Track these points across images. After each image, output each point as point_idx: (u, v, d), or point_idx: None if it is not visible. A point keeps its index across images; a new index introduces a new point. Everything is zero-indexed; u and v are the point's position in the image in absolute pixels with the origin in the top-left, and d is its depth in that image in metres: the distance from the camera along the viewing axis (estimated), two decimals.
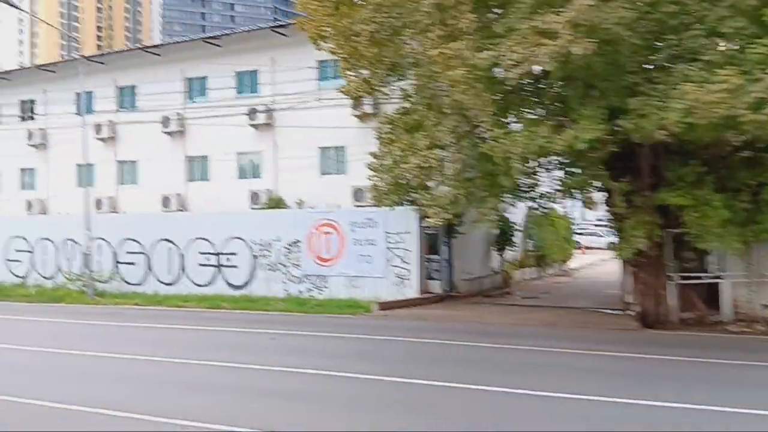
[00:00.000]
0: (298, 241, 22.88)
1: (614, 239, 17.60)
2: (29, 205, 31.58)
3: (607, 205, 17.02)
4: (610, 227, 17.73)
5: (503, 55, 12.86)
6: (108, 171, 30.06)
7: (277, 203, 25.50)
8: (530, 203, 20.80)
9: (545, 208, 20.11)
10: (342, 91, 20.07)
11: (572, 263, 33.65)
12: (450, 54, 13.32)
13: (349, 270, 22.05)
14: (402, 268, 21.27)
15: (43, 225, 28.33)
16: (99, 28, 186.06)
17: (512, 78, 12.85)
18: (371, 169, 19.83)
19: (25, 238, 28.32)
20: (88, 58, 29.31)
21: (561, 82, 13.82)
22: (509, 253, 26.97)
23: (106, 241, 26.20)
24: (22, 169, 32.60)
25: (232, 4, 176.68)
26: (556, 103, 14.67)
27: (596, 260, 37.85)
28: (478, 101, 14.00)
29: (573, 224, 32.47)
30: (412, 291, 21.26)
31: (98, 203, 29.63)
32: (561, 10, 12.22)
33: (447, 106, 16.31)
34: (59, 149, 31.14)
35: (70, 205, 29.79)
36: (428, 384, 9.88)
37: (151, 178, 29.10)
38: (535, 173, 17.22)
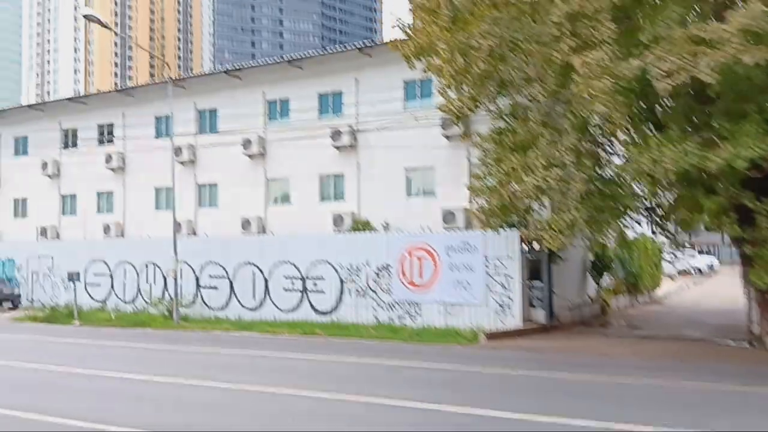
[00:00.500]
0: (389, 266, 22.04)
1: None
2: (106, 229, 31.48)
3: (737, 230, 15.74)
4: (742, 254, 16.39)
5: (652, 65, 11.90)
6: (187, 194, 29.76)
7: (363, 226, 24.75)
8: (632, 226, 19.68)
9: (665, 231, 18.87)
10: (442, 110, 19.30)
11: (660, 290, 32.12)
12: (592, 63, 12.40)
13: (445, 296, 21.09)
14: (503, 295, 20.20)
15: (123, 248, 28.06)
16: (151, 56, 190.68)
17: (664, 89, 11.83)
18: (472, 191, 18.92)
19: (104, 262, 28.10)
20: (171, 82, 29.19)
21: (715, 95, 12.75)
22: (605, 280, 25.70)
23: (188, 264, 25.76)
24: (99, 193, 32.56)
25: (281, 32, 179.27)
26: (702, 117, 13.59)
27: (679, 287, 36.15)
28: (617, 114, 13.03)
29: (661, 249, 30.99)
30: (514, 320, 20.16)
31: (177, 226, 29.28)
32: (724, 17, 11.22)
33: (568, 122, 15.38)
34: (137, 172, 31.07)
35: (148, 228, 29.61)
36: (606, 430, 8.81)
37: (231, 201, 28.71)
38: (660, 194, 16.11)
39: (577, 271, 23.98)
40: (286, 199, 27.75)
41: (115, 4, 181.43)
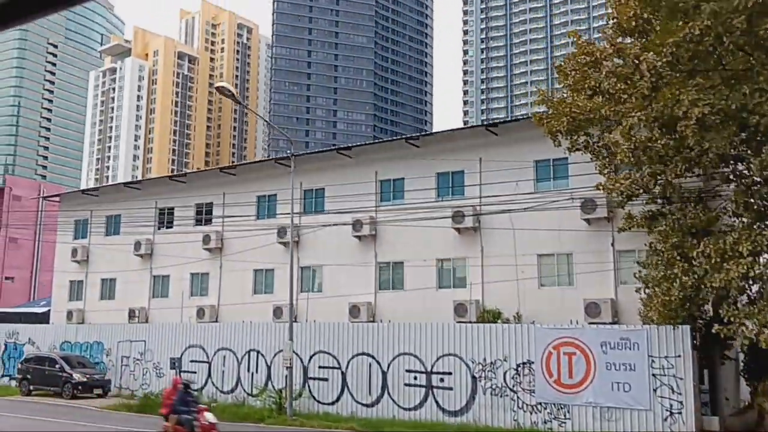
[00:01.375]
0: (531, 362, 19.82)
1: None
2: (200, 312, 30.00)
3: None
4: None
5: None
6: (287, 276, 28.20)
7: (493, 317, 22.69)
8: None
9: None
10: (606, 189, 17.60)
11: None
12: None
13: (600, 399, 18.68)
14: (672, 399, 17.76)
15: (222, 333, 26.37)
16: (207, 145, 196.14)
17: None
18: (643, 280, 16.90)
19: (202, 348, 26.41)
20: (276, 161, 28.38)
21: None
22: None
23: (294, 353, 23.90)
24: (194, 274, 31.30)
25: (335, 122, 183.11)
26: None
27: None
28: None
29: None
30: (685, 428, 17.61)
31: (277, 311, 27.69)
32: None
33: None
34: (236, 253, 29.78)
35: (245, 313, 28.00)
36: None
37: (337, 285, 27.05)
38: None
39: (733, 371, 21.40)
40: (399, 284, 25.99)
41: (176, 95, 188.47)
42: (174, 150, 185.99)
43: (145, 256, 32.36)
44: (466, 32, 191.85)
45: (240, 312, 28.58)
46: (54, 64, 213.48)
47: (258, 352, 25.02)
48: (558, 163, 22.89)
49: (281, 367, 23.84)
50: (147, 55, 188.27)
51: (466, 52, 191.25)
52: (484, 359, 20.43)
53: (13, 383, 31.63)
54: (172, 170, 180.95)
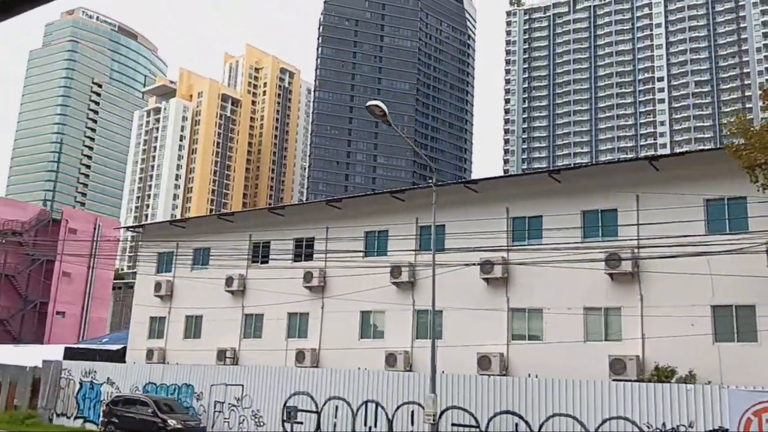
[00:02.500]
0: (725, 430, 16.94)
1: None
2: (299, 356, 27.47)
3: None
4: None
5: None
6: (402, 320, 25.73)
7: (666, 375, 19.83)
8: None
9: None
10: None
11: None
12: None
13: None
14: None
15: (334, 380, 23.74)
16: (246, 187, 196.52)
17: None
18: None
19: (310, 396, 23.82)
20: (392, 194, 26.18)
21: None
22: None
23: (418, 404, 21.26)
24: (291, 314, 28.88)
25: (374, 167, 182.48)
26: None
27: None
28: None
29: None
30: None
31: (390, 358, 25.07)
32: None
33: None
34: (340, 293, 27.36)
35: (350, 358, 25.44)
36: None
37: (461, 333, 24.39)
38: None
39: None
40: (536, 334, 23.27)
41: (218, 136, 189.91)
42: (213, 190, 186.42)
43: (236, 292, 30.08)
44: (508, 81, 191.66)
45: (345, 357, 26.04)
46: (97, 104, 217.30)
47: (377, 403, 22.38)
48: (734, 202, 20.32)
49: (405, 422, 21.22)
50: (191, 96, 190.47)
51: (507, 101, 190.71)
52: (663, 424, 17.58)
53: (90, 426, 29.27)
54: (211, 210, 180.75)
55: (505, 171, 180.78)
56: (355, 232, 27.47)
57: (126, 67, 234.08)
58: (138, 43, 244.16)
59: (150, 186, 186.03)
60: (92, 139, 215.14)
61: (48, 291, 63.71)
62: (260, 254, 30.39)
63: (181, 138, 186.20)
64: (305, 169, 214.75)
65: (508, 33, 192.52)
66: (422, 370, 24.34)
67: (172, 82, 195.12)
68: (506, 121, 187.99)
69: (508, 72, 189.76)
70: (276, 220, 30.07)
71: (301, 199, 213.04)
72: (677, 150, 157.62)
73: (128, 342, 33.67)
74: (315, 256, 28.73)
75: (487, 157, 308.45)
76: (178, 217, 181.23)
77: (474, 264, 23.96)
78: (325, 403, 23.41)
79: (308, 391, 23.89)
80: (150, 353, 31.60)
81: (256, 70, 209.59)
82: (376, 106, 17.99)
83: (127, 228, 34.82)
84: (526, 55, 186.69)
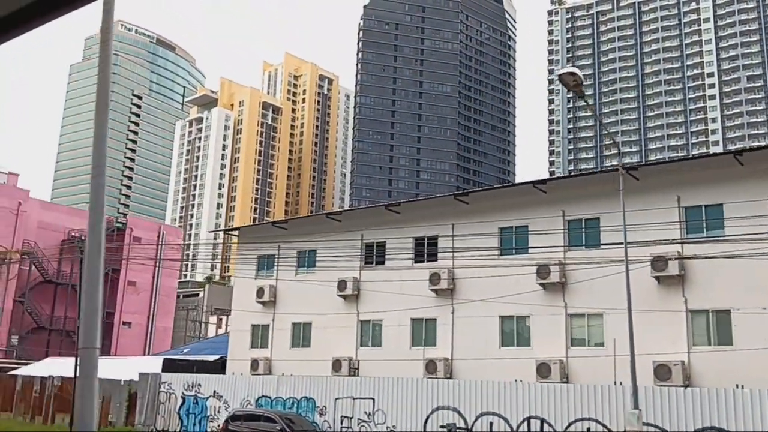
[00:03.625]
0: None
1: None
2: (431, 366, 24.83)
3: None
4: None
5: None
6: (552, 326, 22.97)
7: None
8: None
9: None
10: None
11: None
12: None
13: None
14: None
15: (485, 393, 21.06)
16: (287, 194, 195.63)
17: None
18: None
19: (457, 411, 21.19)
20: (534, 184, 23.49)
21: None
22: None
23: (596, 421, 18.51)
24: (415, 320, 26.28)
25: (418, 172, 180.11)
26: None
27: None
28: None
29: None
30: None
31: (542, 368, 22.30)
32: None
33: None
34: (472, 296, 24.69)
35: (490, 368, 22.74)
36: None
37: (623, 337, 21.49)
38: None
39: None
40: (726, 339, 20.30)
41: (260, 144, 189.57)
42: (256, 199, 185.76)
43: (349, 297, 27.59)
44: (551, 81, 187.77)
45: (483, 368, 23.37)
46: (138, 115, 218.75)
47: (542, 420, 19.67)
48: None
49: None
50: (232, 105, 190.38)
51: (551, 101, 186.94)
52: None
53: None
54: (255, 219, 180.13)
55: (551, 173, 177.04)
56: (486, 228, 24.78)
57: (165, 78, 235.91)
58: (176, 55, 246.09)
59: (194, 195, 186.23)
60: (133, 151, 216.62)
61: (113, 301, 62.21)
62: (374, 255, 27.87)
63: (224, 147, 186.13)
64: (345, 175, 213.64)
65: (550, 32, 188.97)
66: (579, 380, 21.58)
67: (213, 91, 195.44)
68: (551, 122, 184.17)
69: (551, 72, 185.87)
70: (391, 219, 27.55)
71: (342, 206, 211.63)
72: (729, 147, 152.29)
73: (228, 352, 31.40)
74: (440, 255, 26.10)
75: (531, 159, 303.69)
76: (222, 225, 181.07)
77: (643, 261, 21.06)
78: (476, 420, 20.77)
79: (454, 405, 21.28)
80: (255, 364, 29.27)
81: (295, 77, 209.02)
82: (570, 74, 15.37)
83: (225, 231, 32.07)
84: (570, 54, 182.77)
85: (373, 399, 23.13)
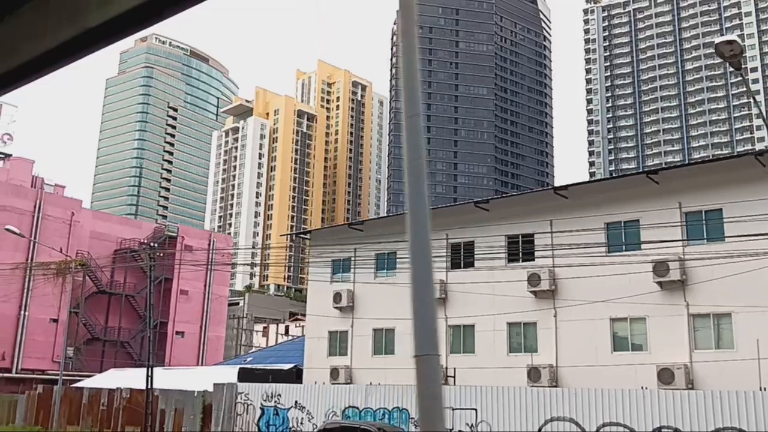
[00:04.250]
0: None
1: None
2: (533, 373, 23.07)
3: None
4: None
5: None
6: (671, 328, 21.06)
7: None
8: None
9: None
10: None
11: None
12: None
13: None
14: None
15: (605, 403, 19.26)
16: (323, 202, 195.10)
17: None
18: None
19: (575, 422, 19.39)
20: (647, 173, 21.65)
21: None
22: None
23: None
24: (512, 324, 24.53)
25: (455, 176, 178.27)
26: None
27: None
28: None
29: None
30: None
31: (663, 374, 20.41)
32: None
33: None
34: (579, 298, 22.87)
35: (599, 376, 20.89)
36: None
37: (759, 340, 19.54)
38: None
39: None
40: None
41: (296, 152, 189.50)
42: (293, 207, 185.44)
43: (436, 301, 25.96)
44: (589, 80, 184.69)
45: (592, 375, 21.56)
46: (174, 127, 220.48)
47: (676, 430, 17.79)
48: None
49: None
50: (267, 114, 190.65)
51: (589, 101, 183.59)
52: None
53: None
54: (292, 227, 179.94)
55: (591, 174, 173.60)
56: (590, 224, 22.97)
57: (199, 90, 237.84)
58: (209, 66, 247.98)
59: (231, 205, 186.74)
60: (170, 162, 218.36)
61: (166, 311, 61.47)
62: (462, 256, 26.20)
63: (260, 156, 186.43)
64: (380, 182, 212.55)
65: (586, 31, 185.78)
66: (706, 387, 19.63)
67: (248, 101, 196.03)
68: (589, 122, 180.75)
69: (588, 71, 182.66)
70: (479, 217, 25.89)
71: (377, 213, 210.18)
72: None
73: (304, 360, 29.97)
74: (537, 254, 24.33)
75: (569, 161, 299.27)
76: (260, 234, 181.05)
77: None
78: (597, 431, 18.97)
79: (570, 416, 19.50)
80: (335, 372, 27.79)
81: (329, 84, 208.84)
82: (727, 43, 13.61)
83: (296, 235, 30.49)
84: (607, 53, 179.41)
85: (476, 410, 21.45)
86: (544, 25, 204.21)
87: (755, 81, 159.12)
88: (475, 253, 25.73)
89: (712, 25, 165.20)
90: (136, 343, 59.36)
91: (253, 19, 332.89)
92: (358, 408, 24.36)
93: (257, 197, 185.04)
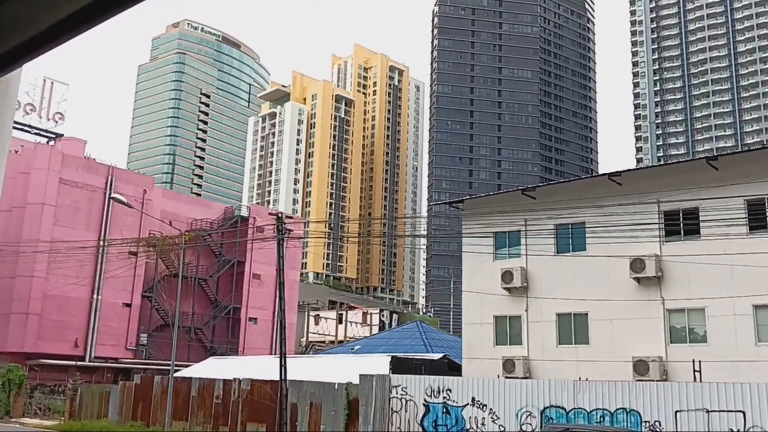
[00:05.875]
0: None
1: None
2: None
3: None
4: None
5: None
6: None
7: None
8: None
9: None
10: None
11: None
12: None
13: None
14: None
15: None
16: (361, 189, 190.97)
17: None
18: None
19: None
20: None
21: None
22: None
23: None
24: (759, 306, 19.98)
25: (499, 162, 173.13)
26: None
27: None
28: None
29: None
30: None
31: None
32: None
33: None
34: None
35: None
36: None
37: None
38: None
39: None
40: None
41: (333, 138, 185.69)
42: (331, 194, 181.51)
43: (647, 280, 21.49)
44: (636, 63, 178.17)
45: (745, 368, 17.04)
46: (206, 114, 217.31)
47: None
48: None
49: None
50: (305, 99, 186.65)
51: (636, 85, 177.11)
52: None
53: None
54: (330, 215, 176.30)
55: (638, 160, 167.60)
56: None
57: (231, 76, 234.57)
58: (241, 52, 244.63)
59: (269, 192, 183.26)
60: (203, 150, 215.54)
61: (239, 296, 57.70)
62: (681, 225, 21.70)
63: (298, 142, 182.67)
64: (417, 169, 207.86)
65: (633, 13, 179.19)
66: None
67: (284, 86, 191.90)
68: (636, 107, 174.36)
69: (635, 54, 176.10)
70: (703, 177, 21.32)
71: (414, 201, 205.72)
72: None
73: (463, 349, 25.70)
74: None
75: (615, 147, 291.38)
76: (299, 220, 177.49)
77: None
78: None
79: None
80: (509, 365, 23.49)
81: (365, 69, 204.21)
82: None
83: (449, 204, 26.12)
84: (654, 35, 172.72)
85: (743, 412, 17.05)
86: (588, 6, 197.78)
87: None
88: (701, 220, 21.17)
89: (766, 4, 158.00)
90: (208, 329, 55.65)
91: (284, 3, 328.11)
92: (564, 408, 20.04)
93: (295, 184, 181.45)
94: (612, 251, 21.86)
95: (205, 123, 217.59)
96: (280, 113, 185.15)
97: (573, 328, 22.98)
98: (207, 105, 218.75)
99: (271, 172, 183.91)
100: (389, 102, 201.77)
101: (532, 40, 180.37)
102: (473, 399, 21.95)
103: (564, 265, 23.35)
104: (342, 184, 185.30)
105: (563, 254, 23.48)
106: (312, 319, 65.16)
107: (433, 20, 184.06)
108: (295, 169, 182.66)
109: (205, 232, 54.94)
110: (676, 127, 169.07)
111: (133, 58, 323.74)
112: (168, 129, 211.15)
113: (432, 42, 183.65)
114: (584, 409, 19.74)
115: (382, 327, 75.99)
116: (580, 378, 20.34)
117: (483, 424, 21.50)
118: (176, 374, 35.37)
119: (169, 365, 50.67)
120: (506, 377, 23.39)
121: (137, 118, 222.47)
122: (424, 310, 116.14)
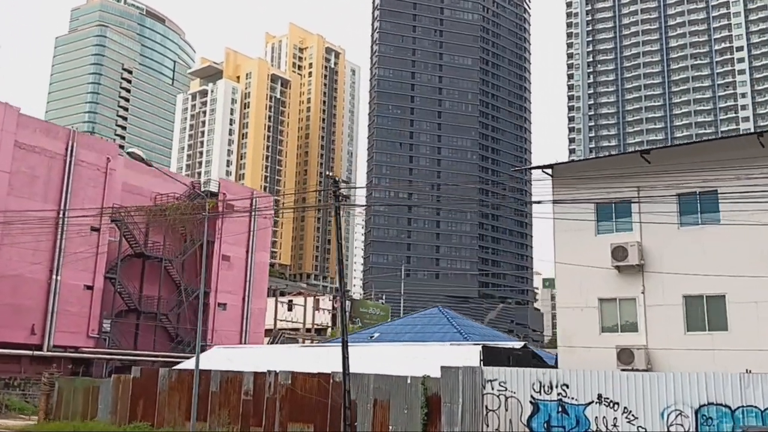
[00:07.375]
0: None
1: None
2: None
3: None
4: None
5: None
6: None
7: None
8: None
9: None
10: None
11: None
12: None
13: None
14: None
15: None
16: (297, 174, 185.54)
17: None
18: None
19: None
20: None
21: None
22: None
23: None
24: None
25: (439, 149, 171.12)
26: None
27: None
28: None
29: None
30: None
31: None
32: None
33: None
34: None
35: None
36: None
37: None
38: None
39: None
40: None
41: (269, 119, 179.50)
42: (266, 177, 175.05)
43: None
44: (570, 55, 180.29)
45: None
46: (128, 90, 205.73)
47: None
48: None
49: None
50: (238, 77, 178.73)
51: (570, 77, 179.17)
52: None
53: None
54: (265, 190, 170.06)
55: (571, 150, 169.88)
56: None
57: (154, 51, 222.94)
58: (165, 27, 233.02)
59: (199, 173, 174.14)
60: (124, 128, 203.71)
61: (207, 279, 52.28)
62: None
63: (231, 121, 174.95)
64: (351, 154, 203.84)
65: (569, 4, 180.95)
66: None
67: (217, 63, 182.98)
68: (570, 98, 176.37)
69: (570, 46, 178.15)
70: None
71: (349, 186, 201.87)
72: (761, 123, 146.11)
73: (558, 337, 22.25)
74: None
75: (548, 138, 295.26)
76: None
77: None
78: None
79: None
80: (625, 354, 20.23)
81: (301, 50, 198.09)
82: None
83: (536, 168, 22.35)
84: (590, 28, 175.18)
85: None
86: None
87: (741, 60, 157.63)
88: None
89: (698, 1, 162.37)
90: (173, 315, 50.10)
91: None
92: (729, 407, 16.86)
93: (228, 166, 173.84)
94: (756, 221, 18.88)
95: (127, 100, 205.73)
96: (212, 91, 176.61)
97: (706, 313, 19.91)
98: (129, 81, 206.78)
99: (201, 153, 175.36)
100: (325, 84, 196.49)
101: (473, 27, 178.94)
102: (600, 396, 18.43)
103: (688, 239, 20.26)
104: (277, 167, 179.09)
105: (687, 226, 20.36)
106: (284, 306, 60.35)
107: (374, 1, 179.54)
108: (228, 150, 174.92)
109: (182, 212, 49.07)
110: (609, 119, 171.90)
111: (50, 28, 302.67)
112: (87, 105, 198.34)
113: (372, 24, 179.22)
114: (757, 408, 16.61)
115: (334, 316, 72.14)
116: (747, 370, 17.20)
117: (615, 425, 18.05)
118: (178, 366, 30.50)
119: (136, 355, 45.23)
120: (622, 370, 20.09)
121: (54, 93, 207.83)
122: (374, 297, 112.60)
